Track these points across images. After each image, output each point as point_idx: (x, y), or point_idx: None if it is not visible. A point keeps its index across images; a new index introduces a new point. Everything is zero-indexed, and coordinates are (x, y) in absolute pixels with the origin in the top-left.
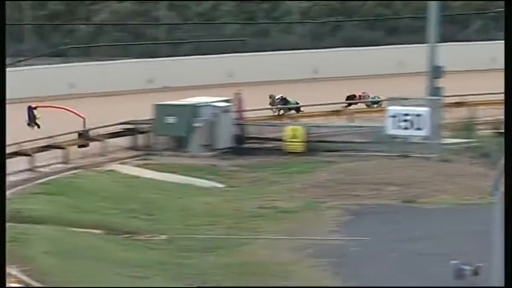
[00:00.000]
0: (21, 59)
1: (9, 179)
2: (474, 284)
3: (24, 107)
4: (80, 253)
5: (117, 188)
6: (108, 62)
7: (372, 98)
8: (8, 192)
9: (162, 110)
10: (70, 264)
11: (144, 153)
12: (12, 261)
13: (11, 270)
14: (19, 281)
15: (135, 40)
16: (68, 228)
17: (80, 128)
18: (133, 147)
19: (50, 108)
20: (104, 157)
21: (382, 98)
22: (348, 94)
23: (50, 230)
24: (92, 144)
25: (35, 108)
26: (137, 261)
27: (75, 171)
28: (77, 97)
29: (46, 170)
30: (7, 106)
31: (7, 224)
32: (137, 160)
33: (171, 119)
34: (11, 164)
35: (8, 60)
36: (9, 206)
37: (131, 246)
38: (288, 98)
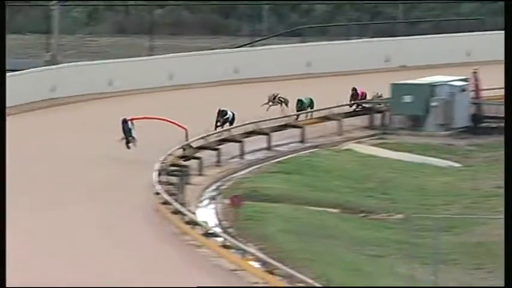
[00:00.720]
0: (259, 38)
1: (247, 157)
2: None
3: (262, 86)
4: (316, 231)
5: (353, 167)
6: (344, 41)
7: None
8: (245, 171)
9: (399, 89)
10: (306, 243)
11: (380, 132)
12: (249, 239)
13: (248, 248)
14: (256, 259)
15: (371, 19)
16: (304, 206)
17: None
18: (369, 127)
19: (147, 119)
20: (340, 136)
21: None
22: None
23: (286, 209)
24: (329, 123)
25: (131, 120)
26: (373, 240)
27: (312, 150)
28: (313, 76)
29: (283, 149)
30: (246, 85)
31: (244, 202)
32: (373, 139)
33: (407, 98)
34: (249, 143)
35: (246, 40)
36: (246, 185)
37: (367, 225)
38: None
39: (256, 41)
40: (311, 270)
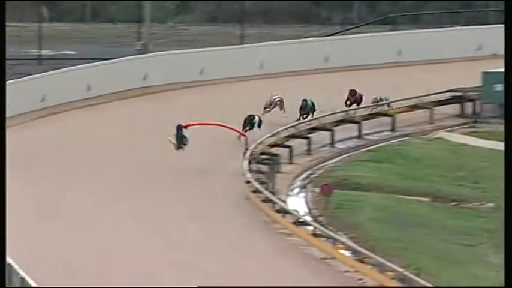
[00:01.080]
0: (350, 26)
1: (337, 146)
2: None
3: (352, 75)
4: (406, 220)
5: (444, 155)
6: (435, 29)
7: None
8: (335, 159)
9: (490, 77)
10: (397, 231)
11: (472, 121)
12: (339, 227)
13: (338, 236)
14: (347, 248)
15: (463, 8)
16: (394, 195)
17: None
18: (460, 115)
19: (202, 125)
20: (431, 125)
21: None
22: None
23: (376, 197)
24: (419, 112)
25: (186, 127)
26: (464, 229)
27: (403, 138)
28: (404, 65)
29: (373, 137)
30: (337, 74)
31: (335, 191)
32: (464, 128)
33: (499, 87)
34: (339, 132)
35: (337, 28)
36: (337, 173)
37: (458, 214)
38: None
39: (347, 30)
40: (402, 259)
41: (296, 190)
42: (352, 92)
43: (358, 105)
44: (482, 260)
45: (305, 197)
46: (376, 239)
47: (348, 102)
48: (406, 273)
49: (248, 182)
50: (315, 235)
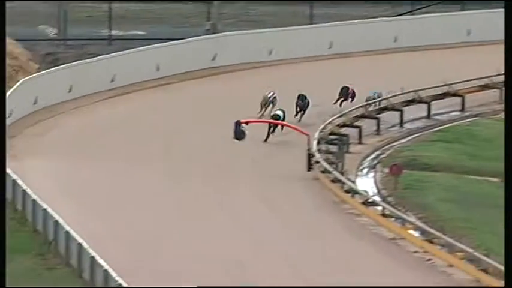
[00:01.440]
0: (420, 6)
1: (406, 126)
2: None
3: (421, 55)
4: (476, 200)
5: None
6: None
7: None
8: (404, 140)
9: None
10: (466, 212)
11: None
12: (408, 208)
13: (407, 217)
14: (416, 228)
15: None
16: (464, 175)
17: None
18: None
19: (260, 123)
20: (501, 105)
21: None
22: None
23: (445, 178)
24: (489, 92)
25: (246, 123)
26: None
27: (472, 119)
28: (473, 45)
29: (443, 117)
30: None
31: (404, 171)
32: None
33: None
34: (407, 113)
35: (406, 8)
36: (406, 153)
37: None
38: None
39: (417, 9)
40: (471, 239)
41: (365, 170)
42: (344, 90)
43: (351, 101)
44: None
45: (374, 177)
46: (445, 219)
47: (341, 100)
48: (476, 254)
49: (317, 162)
50: (384, 215)
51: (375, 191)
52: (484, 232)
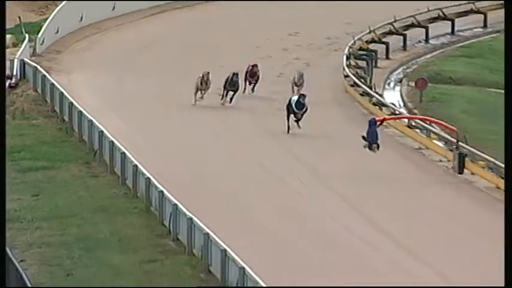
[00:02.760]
0: None
1: (431, 42)
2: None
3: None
4: (497, 112)
5: None
6: None
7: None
8: (429, 55)
9: None
10: (488, 123)
11: None
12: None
13: (432, 128)
14: (440, 139)
15: None
16: (486, 88)
17: None
18: None
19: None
20: None
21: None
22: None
23: (468, 91)
24: None
25: (381, 121)
26: None
27: (494, 35)
28: None
29: (466, 34)
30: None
31: (429, 85)
32: None
33: None
34: (433, 29)
35: None
36: (431, 68)
37: None
38: None
39: None
40: (493, 149)
41: (392, 84)
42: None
43: (257, 81)
44: None
45: (400, 90)
46: (468, 130)
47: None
48: (497, 162)
49: (346, 76)
50: (410, 127)
51: (402, 103)
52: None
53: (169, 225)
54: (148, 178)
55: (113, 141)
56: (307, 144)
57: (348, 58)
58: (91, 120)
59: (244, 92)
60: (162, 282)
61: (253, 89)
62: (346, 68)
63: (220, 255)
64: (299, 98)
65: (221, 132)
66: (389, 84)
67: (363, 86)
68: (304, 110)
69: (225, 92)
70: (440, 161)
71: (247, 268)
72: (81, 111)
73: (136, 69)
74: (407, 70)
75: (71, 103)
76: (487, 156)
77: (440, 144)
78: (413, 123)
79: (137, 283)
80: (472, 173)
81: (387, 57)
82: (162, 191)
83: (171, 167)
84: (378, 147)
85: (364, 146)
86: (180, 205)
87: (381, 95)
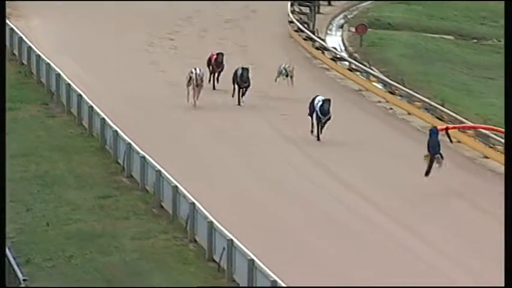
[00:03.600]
0: None
1: None
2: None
3: None
4: (432, 56)
5: None
6: None
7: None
8: (369, 1)
9: None
10: (423, 66)
11: None
12: (372, 63)
13: (371, 71)
14: (379, 81)
15: None
16: (422, 33)
17: None
18: None
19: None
20: None
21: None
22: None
23: (406, 35)
24: None
25: (445, 130)
26: (484, 63)
27: None
28: None
29: None
30: None
31: (369, 30)
32: None
33: None
34: None
35: None
36: (370, 14)
37: (479, 50)
38: None
39: None
40: (428, 90)
41: (334, 29)
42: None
43: (221, 70)
44: (500, 92)
45: (342, 35)
46: (405, 73)
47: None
48: (432, 103)
49: (291, 22)
50: (350, 70)
51: (343, 48)
52: (439, 84)
53: (123, 163)
54: (103, 118)
55: (69, 84)
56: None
57: (292, 4)
58: (48, 64)
59: (209, 82)
60: (117, 216)
61: (218, 79)
62: (290, 14)
63: (172, 191)
64: (324, 102)
65: (166, 70)
66: (331, 29)
67: (306, 31)
68: (328, 117)
69: (237, 88)
70: (379, 102)
71: (197, 204)
72: (39, 55)
73: (90, 16)
74: (349, 16)
75: (30, 47)
76: (422, 97)
77: (379, 86)
78: (354, 66)
79: (93, 217)
80: (409, 113)
81: (329, 4)
82: (116, 131)
83: (125, 108)
84: (442, 157)
85: (426, 156)
86: (133, 144)
87: (323, 40)
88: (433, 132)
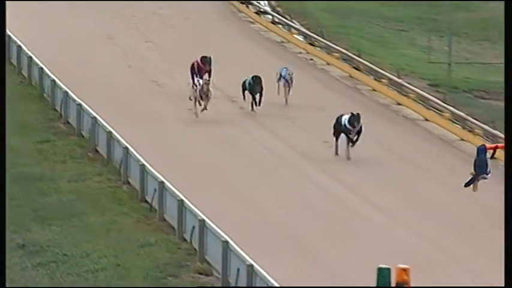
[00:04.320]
0: None
1: None
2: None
3: None
4: (350, 11)
5: None
6: None
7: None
8: None
9: None
10: (342, 19)
11: None
12: (293, 16)
13: (293, 24)
14: (300, 33)
15: None
16: None
17: None
18: None
19: None
20: None
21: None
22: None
23: None
24: None
25: (494, 149)
26: (399, 17)
27: None
28: None
29: None
30: None
31: None
32: None
33: None
34: None
35: None
36: None
37: (394, 5)
38: None
39: None
40: (346, 42)
41: None
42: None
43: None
44: (412, 43)
45: None
46: (325, 26)
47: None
48: (349, 53)
49: None
50: (273, 23)
51: (266, 2)
52: (356, 36)
53: (60, 110)
54: (41, 68)
55: (9, 35)
56: (182, 47)
57: None
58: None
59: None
60: (55, 160)
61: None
62: None
63: (106, 136)
64: (351, 117)
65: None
66: None
67: None
68: (359, 128)
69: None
70: (300, 53)
71: (130, 148)
72: None
73: None
74: None
75: None
76: (340, 48)
77: (300, 38)
78: (276, 19)
79: (33, 161)
80: (328, 63)
81: None
82: (54, 80)
83: (63, 57)
84: (486, 177)
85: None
86: (69, 92)
87: None
88: (481, 151)
